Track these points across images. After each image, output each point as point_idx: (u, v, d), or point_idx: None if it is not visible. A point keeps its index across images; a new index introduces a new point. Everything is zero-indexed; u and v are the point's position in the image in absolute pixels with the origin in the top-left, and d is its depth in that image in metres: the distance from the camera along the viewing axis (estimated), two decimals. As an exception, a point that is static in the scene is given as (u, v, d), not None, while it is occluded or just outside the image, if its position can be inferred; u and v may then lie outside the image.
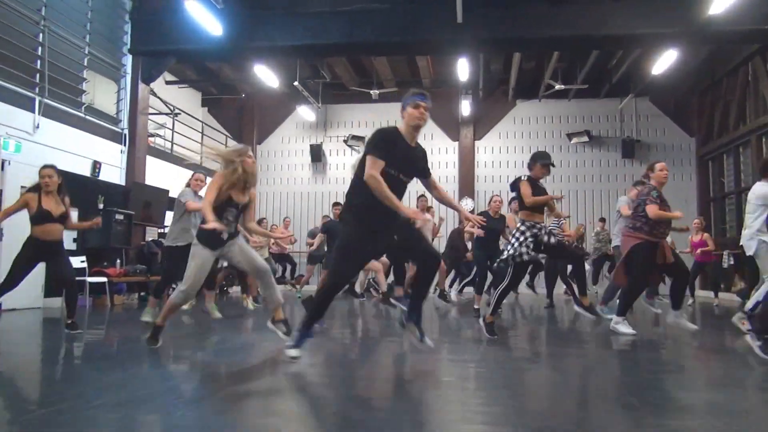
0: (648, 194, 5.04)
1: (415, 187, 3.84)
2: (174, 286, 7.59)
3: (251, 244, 7.42)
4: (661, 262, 5.03)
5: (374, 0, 9.14)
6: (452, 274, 10.07)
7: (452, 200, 4.09)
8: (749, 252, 5.03)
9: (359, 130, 14.51)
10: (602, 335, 5.19)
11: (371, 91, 13.42)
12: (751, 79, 11.33)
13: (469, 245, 8.65)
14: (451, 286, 9.81)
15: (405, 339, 3.65)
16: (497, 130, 14.49)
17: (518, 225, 5.04)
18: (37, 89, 8.01)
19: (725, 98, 12.40)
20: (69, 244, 8.02)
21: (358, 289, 9.14)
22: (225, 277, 9.82)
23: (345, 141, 14.46)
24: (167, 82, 13.03)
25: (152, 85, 10.44)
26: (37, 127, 7.92)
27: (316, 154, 14.63)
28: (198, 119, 13.81)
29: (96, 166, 9.09)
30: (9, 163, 7.45)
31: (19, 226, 5.35)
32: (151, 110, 10.83)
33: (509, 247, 4.98)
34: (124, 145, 9.80)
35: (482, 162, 14.44)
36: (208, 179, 6.00)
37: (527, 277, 8.99)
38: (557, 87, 12.62)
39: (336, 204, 8.49)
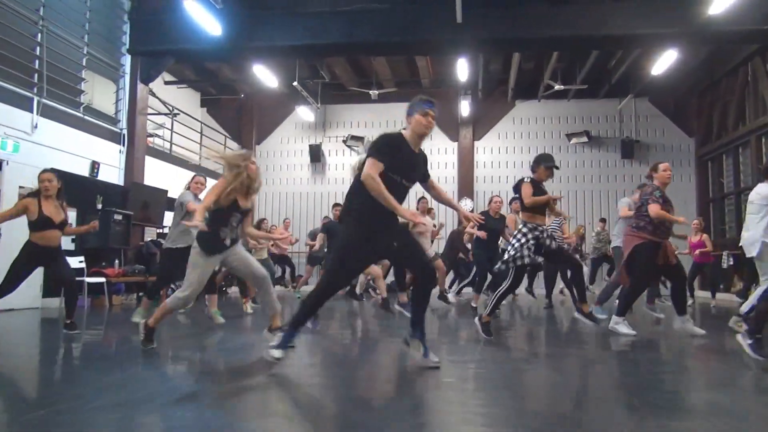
0: (651, 194, 5.03)
1: (415, 189, 3.83)
2: (173, 287, 7.61)
3: (250, 245, 7.42)
4: (662, 263, 5.02)
5: (374, 0, 9.15)
6: (451, 274, 10.06)
7: (451, 200, 4.08)
8: (752, 254, 4.95)
9: (358, 131, 14.51)
10: (602, 335, 5.19)
11: (370, 92, 13.40)
12: (751, 79, 11.34)
13: (469, 246, 8.64)
14: (450, 287, 9.80)
15: (410, 357, 3.65)
16: (496, 130, 14.49)
17: (520, 226, 5.04)
18: (35, 89, 8.00)
19: (724, 99, 12.41)
20: (67, 244, 8.01)
21: (358, 290, 9.13)
22: (224, 278, 9.80)
23: (344, 141, 14.45)
24: (166, 83, 13.02)
25: (151, 85, 10.43)
26: (36, 127, 7.91)
27: (315, 155, 14.62)
28: (197, 119, 13.80)
29: (94, 166, 9.08)
30: (7, 163, 7.44)
31: (19, 227, 5.33)
32: (149, 110, 10.82)
33: (510, 247, 4.98)
34: (123, 145, 9.79)
35: (481, 162, 14.44)
36: (209, 182, 6.00)
37: (526, 281, 8.98)
38: (556, 87, 12.62)
39: (336, 205, 8.47)
